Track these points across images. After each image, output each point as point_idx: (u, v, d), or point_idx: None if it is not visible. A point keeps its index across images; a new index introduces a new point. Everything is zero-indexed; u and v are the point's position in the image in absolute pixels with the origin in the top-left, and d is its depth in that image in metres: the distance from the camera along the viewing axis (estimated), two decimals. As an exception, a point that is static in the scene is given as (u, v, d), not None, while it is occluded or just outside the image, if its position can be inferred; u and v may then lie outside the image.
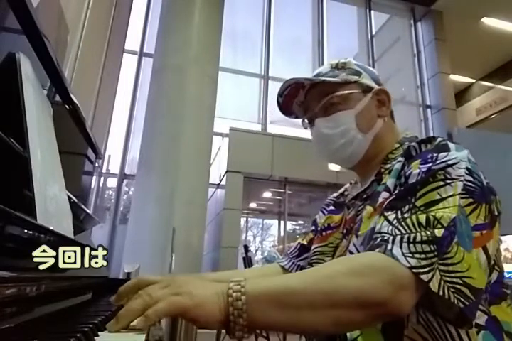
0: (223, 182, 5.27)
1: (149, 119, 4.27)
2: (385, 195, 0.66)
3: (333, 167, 4.48)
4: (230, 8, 5.30)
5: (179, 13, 4.47)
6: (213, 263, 5.01)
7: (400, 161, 0.68)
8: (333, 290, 0.47)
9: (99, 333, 0.46)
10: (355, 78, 0.76)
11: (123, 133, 5.69)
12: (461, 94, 9.57)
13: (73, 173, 1.14)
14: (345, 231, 0.77)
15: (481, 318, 0.59)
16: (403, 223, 0.54)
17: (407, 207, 0.57)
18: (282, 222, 5.90)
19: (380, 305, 0.48)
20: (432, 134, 6.79)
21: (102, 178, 5.51)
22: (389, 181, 0.67)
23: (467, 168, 0.59)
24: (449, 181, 0.57)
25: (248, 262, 3.40)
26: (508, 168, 4.88)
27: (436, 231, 0.51)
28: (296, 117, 0.86)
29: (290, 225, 7.93)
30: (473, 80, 9.57)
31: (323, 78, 0.76)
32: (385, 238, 0.53)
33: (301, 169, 5.30)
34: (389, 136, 0.78)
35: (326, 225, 0.85)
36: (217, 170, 5.64)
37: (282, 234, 5.90)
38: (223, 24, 4.83)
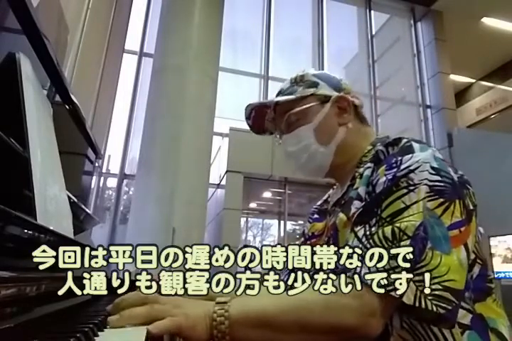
0: (223, 182, 5.26)
1: (149, 119, 4.26)
2: (357, 203, 0.65)
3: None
4: (230, 8, 5.30)
5: (179, 13, 4.47)
6: (213, 263, 5.00)
7: (369, 167, 0.67)
8: (306, 319, 0.51)
9: (99, 333, 0.46)
10: (311, 91, 0.77)
11: (123, 133, 5.68)
12: (461, 94, 9.57)
13: (73, 173, 1.14)
14: (326, 239, 0.76)
15: (465, 318, 0.58)
16: (371, 240, 0.55)
17: (374, 220, 0.57)
18: (282, 222, 5.89)
19: (350, 331, 0.51)
20: (431, 134, 6.79)
21: (102, 178, 5.51)
22: (360, 189, 0.67)
23: (433, 168, 0.59)
24: (412, 188, 0.57)
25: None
26: (508, 167, 4.87)
27: (402, 243, 0.52)
28: (271, 133, 0.87)
29: (290, 225, 7.91)
30: (473, 80, 9.57)
31: (277, 99, 0.78)
32: None
33: (301, 169, 5.28)
34: (359, 141, 0.77)
35: (310, 234, 0.84)
36: (217, 170, 5.63)
37: (282, 234, 5.89)
38: (223, 24, 4.83)
